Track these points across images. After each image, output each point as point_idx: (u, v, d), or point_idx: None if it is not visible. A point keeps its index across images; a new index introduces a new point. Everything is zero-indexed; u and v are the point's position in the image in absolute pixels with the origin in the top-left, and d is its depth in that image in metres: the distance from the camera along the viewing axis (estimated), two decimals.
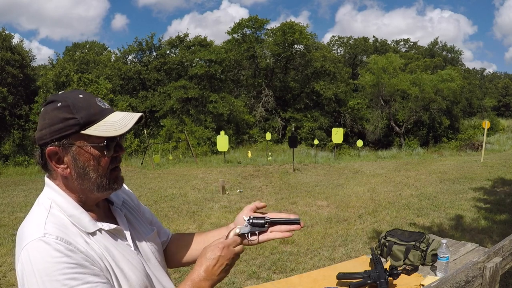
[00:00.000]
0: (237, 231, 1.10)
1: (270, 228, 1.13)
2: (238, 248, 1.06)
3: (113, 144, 0.98)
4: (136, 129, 22.32)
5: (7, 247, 4.97)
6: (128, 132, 0.97)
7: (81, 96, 0.97)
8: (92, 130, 0.93)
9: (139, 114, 0.98)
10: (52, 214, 0.94)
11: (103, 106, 0.98)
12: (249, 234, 1.12)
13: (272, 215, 1.14)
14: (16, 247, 0.92)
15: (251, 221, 1.12)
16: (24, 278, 0.86)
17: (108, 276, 0.93)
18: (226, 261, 1.02)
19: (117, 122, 0.96)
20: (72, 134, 0.93)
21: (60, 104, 0.94)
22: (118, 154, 1.01)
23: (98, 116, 0.95)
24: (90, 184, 0.97)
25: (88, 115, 0.94)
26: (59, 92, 1.00)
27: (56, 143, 0.94)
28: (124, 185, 1.19)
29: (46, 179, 1.01)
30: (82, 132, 0.93)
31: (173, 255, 1.27)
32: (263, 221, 1.12)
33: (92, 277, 0.88)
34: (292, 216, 1.14)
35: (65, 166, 0.96)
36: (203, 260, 1.01)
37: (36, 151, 0.99)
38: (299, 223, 1.12)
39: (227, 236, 1.09)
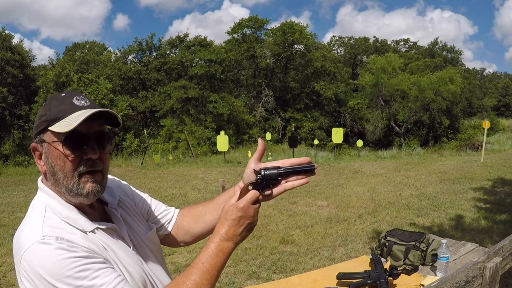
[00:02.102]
0: (250, 187, 1.00)
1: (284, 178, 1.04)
2: (258, 204, 1.00)
3: (77, 143, 0.92)
4: (136, 129, 22.36)
5: (7, 247, 4.96)
6: (112, 129, 0.94)
7: (63, 94, 0.98)
8: (54, 127, 0.92)
9: (98, 109, 0.92)
10: (48, 217, 0.93)
11: (76, 103, 0.94)
12: (262, 188, 1.01)
13: (284, 163, 1.04)
14: (14, 256, 0.91)
15: (262, 172, 1.01)
16: (31, 282, 0.84)
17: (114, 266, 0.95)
18: (247, 220, 0.97)
19: (75, 117, 0.90)
20: (43, 130, 0.94)
21: (45, 102, 0.98)
22: (89, 157, 0.94)
23: (65, 112, 0.93)
24: (60, 185, 0.95)
25: (56, 111, 0.93)
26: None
27: (35, 139, 0.96)
28: (115, 178, 1.17)
29: (39, 183, 1.01)
30: (49, 128, 0.93)
31: (187, 230, 1.24)
32: (276, 172, 1.01)
33: (100, 264, 0.88)
34: (304, 161, 1.02)
35: (43, 163, 0.97)
36: (224, 222, 0.97)
37: None
38: (313, 169, 1.02)
39: (240, 195, 1.00)
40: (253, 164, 1.06)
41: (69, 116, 0.92)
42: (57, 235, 0.88)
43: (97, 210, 1.05)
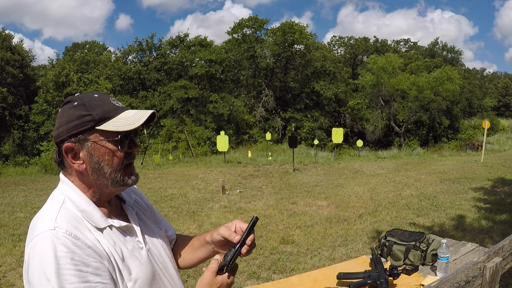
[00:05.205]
0: (226, 275, 1.06)
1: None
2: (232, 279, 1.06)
3: (127, 140, 1.01)
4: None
5: (7, 247, 4.96)
6: (141, 127, 1.00)
7: (96, 95, 1.02)
8: (106, 126, 0.98)
9: (151, 111, 1.02)
10: (65, 208, 0.97)
11: (117, 105, 1.02)
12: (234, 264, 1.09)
13: (236, 237, 1.08)
14: (27, 237, 0.96)
15: (227, 259, 1.07)
16: (29, 266, 0.89)
17: (113, 273, 0.96)
18: None
19: (131, 118, 1.00)
20: (88, 130, 0.98)
21: (76, 103, 0.99)
22: (132, 150, 1.05)
23: (112, 113, 0.99)
24: (105, 179, 1.00)
25: (103, 112, 0.98)
26: (75, 94, 1.05)
27: (73, 139, 0.98)
28: (135, 186, 1.21)
29: (61, 176, 1.05)
30: (97, 127, 0.98)
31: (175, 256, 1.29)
32: (236, 250, 1.08)
33: (92, 276, 0.90)
34: (250, 221, 1.09)
35: (81, 161, 1.00)
36: None
37: (53, 149, 1.04)
38: (257, 220, 1.09)
39: (224, 271, 1.06)
40: (221, 234, 1.11)
41: (118, 116, 0.99)
42: (67, 228, 0.92)
43: (114, 207, 1.10)
